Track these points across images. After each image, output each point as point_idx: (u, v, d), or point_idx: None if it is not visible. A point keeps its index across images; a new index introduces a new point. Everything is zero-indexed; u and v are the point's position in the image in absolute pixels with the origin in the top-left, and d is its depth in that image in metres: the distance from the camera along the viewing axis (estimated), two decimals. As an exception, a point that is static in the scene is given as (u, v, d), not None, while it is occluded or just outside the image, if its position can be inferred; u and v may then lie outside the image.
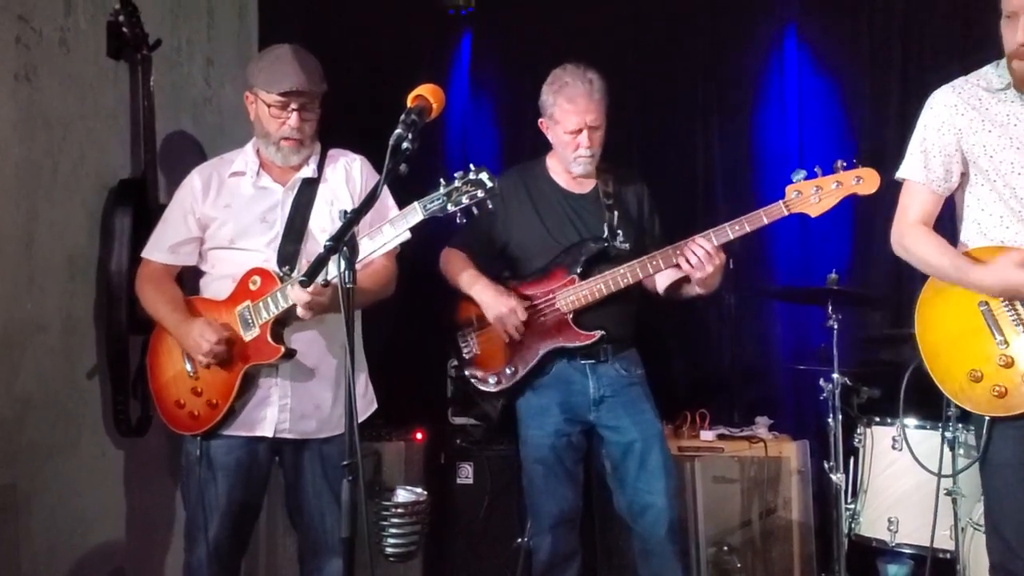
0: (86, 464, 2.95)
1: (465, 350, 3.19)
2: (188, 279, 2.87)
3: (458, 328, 3.21)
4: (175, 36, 3.41)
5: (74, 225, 2.92)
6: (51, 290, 2.81)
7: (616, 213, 3.12)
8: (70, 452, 2.89)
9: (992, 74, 2.46)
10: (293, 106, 2.68)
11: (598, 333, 3.03)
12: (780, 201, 2.89)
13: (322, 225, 2.72)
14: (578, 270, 3.05)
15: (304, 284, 2.14)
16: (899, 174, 2.59)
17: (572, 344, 3.04)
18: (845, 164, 2.85)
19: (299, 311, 2.57)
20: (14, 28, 2.69)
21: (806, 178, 2.87)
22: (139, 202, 3.02)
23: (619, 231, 3.09)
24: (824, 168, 2.87)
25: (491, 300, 3.07)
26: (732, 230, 2.90)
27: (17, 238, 2.70)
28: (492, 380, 3.12)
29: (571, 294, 3.04)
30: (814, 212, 2.87)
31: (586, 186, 3.18)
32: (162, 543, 3.26)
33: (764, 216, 2.89)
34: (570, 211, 3.15)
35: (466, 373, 3.18)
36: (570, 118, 3.04)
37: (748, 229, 2.89)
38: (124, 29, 3.02)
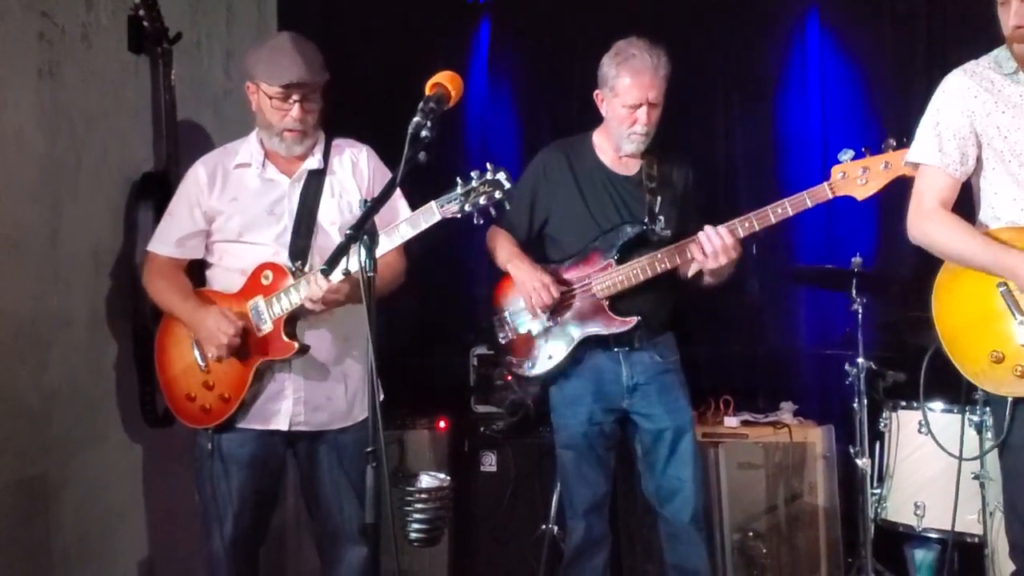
0: (114, 455, 2.99)
1: (501, 336, 3.18)
2: (193, 270, 2.86)
3: (494, 312, 3.20)
4: (194, 30, 3.43)
5: (98, 220, 2.94)
6: (76, 284, 2.84)
7: (659, 197, 3.05)
8: (98, 443, 2.92)
9: (1003, 56, 2.44)
10: (295, 97, 2.65)
11: (634, 319, 3.00)
12: (825, 183, 2.78)
13: (331, 218, 2.72)
14: (615, 255, 3.02)
15: (325, 273, 2.15)
16: (911, 157, 2.53)
17: (608, 330, 3.02)
18: (895, 143, 2.72)
19: (309, 305, 2.56)
20: (37, 24, 2.71)
21: (853, 158, 2.75)
22: (162, 195, 3.03)
23: (660, 216, 3.02)
24: (873, 148, 2.75)
25: (524, 275, 3.04)
26: (775, 213, 2.81)
27: (42, 234, 2.73)
28: (528, 365, 3.11)
29: (607, 279, 3.01)
30: (860, 195, 2.75)
31: (631, 167, 3.11)
32: (191, 532, 3.28)
33: (808, 199, 2.79)
34: (613, 192, 3.09)
35: (502, 359, 3.19)
36: (632, 92, 2.96)
37: (791, 212, 2.80)
38: (144, 23, 3.04)
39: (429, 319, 4.25)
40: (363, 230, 2.03)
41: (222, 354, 2.63)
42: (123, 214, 3.02)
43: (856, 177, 2.75)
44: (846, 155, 2.77)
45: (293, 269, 2.63)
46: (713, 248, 2.83)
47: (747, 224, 2.86)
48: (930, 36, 4.16)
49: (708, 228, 2.86)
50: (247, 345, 2.64)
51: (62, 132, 2.80)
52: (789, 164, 4.35)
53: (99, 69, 2.95)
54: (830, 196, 2.79)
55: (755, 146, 4.41)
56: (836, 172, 2.78)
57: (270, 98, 2.67)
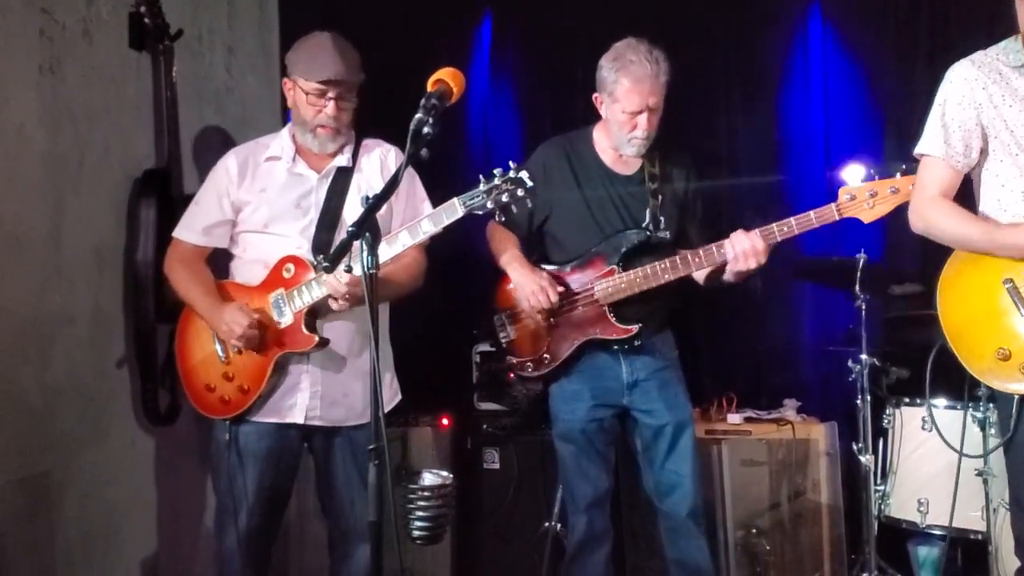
0: (117, 453, 2.99)
1: (502, 335, 3.18)
2: (217, 260, 2.88)
3: (495, 313, 3.20)
4: (196, 26, 3.43)
5: (100, 217, 2.94)
6: (79, 282, 2.84)
7: (661, 198, 3.04)
8: (101, 441, 2.92)
9: (1011, 48, 2.43)
10: (331, 94, 2.69)
11: (635, 327, 2.99)
12: (832, 204, 2.79)
13: (356, 215, 2.71)
14: (618, 261, 3.01)
15: (328, 270, 2.15)
16: (918, 149, 2.55)
17: (609, 337, 3.02)
18: (904, 168, 2.73)
19: (331, 303, 2.58)
20: (38, 21, 2.71)
21: (862, 180, 2.77)
22: (163, 192, 3.04)
23: (662, 218, 3.02)
24: (881, 172, 2.76)
25: (523, 279, 3.04)
26: (780, 231, 2.81)
27: (44, 231, 2.73)
28: (530, 367, 3.12)
29: (610, 286, 3.00)
30: (867, 218, 2.78)
31: (632, 166, 3.09)
32: (194, 530, 3.30)
33: (815, 218, 2.80)
34: (614, 193, 3.07)
35: (502, 358, 3.19)
36: (632, 99, 2.93)
37: (796, 231, 2.81)
38: (146, 20, 3.06)
39: (432, 316, 4.24)
40: (364, 227, 2.03)
41: (240, 346, 2.65)
42: (125, 211, 3.03)
43: (864, 200, 2.77)
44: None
45: (315, 263, 2.65)
46: (744, 250, 2.81)
47: (761, 237, 2.85)
48: (932, 33, 4.15)
49: (739, 232, 2.83)
50: (267, 338, 2.66)
51: (64, 129, 2.80)
52: (791, 161, 4.33)
53: (100, 65, 2.95)
54: (837, 218, 2.80)
55: (758, 143, 4.39)
56: (844, 194, 2.79)
57: (306, 94, 2.70)
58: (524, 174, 2.27)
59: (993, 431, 3.09)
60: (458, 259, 4.11)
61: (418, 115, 2.06)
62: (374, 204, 2.07)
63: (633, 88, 2.93)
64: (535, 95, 4.56)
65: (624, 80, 2.94)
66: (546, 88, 4.50)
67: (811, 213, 2.81)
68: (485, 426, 3.95)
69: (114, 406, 2.98)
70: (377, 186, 2.77)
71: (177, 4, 3.26)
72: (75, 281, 2.83)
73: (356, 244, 2.06)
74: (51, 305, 2.74)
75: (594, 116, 3.15)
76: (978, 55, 2.49)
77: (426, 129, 2.05)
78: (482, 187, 2.30)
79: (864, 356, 3.49)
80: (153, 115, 3.14)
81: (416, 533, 3.02)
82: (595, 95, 3.07)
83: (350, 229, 2.04)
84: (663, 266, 2.94)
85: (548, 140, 3.23)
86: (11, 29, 2.61)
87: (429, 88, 2.13)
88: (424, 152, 2.06)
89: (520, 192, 2.27)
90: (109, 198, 2.98)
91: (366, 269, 2.02)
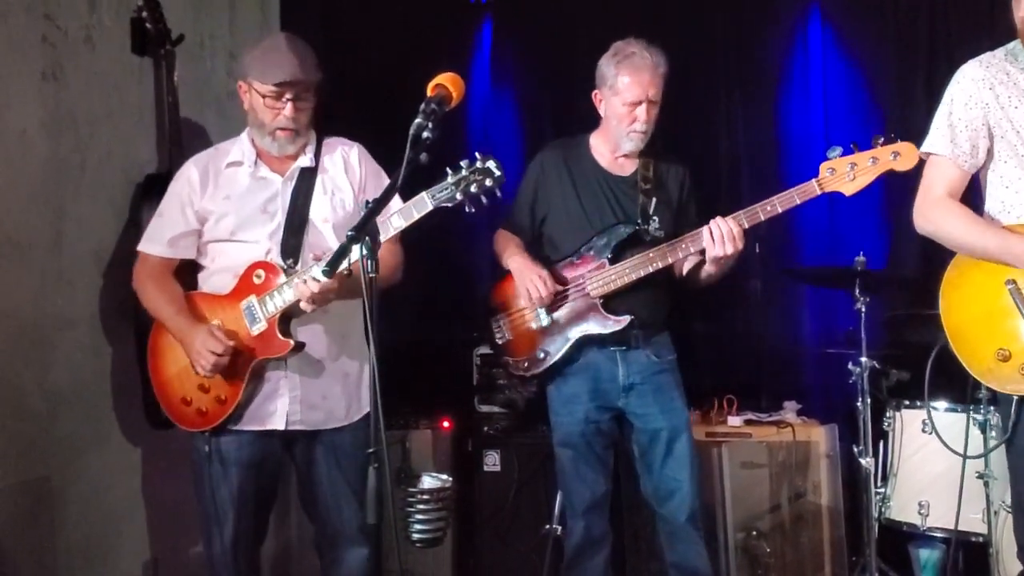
0: (118, 456, 3.00)
1: (498, 335, 3.20)
2: (184, 271, 2.81)
3: (492, 313, 3.22)
4: (197, 31, 3.44)
5: (102, 221, 2.95)
6: (80, 286, 2.85)
7: (654, 199, 3.08)
8: (102, 445, 2.93)
9: (1018, 49, 2.43)
10: (288, 96, 2.63)
11: (627, 318, 3.01)
12: (813, 180, 2.79)
13: (323, 216, 2.69)
14: (608, 255, 3.03)
15: (327, 275, 2.15)
16: (924, 148, 2.54)
17: (603, 330, 3.03)
18: (882, 139, 2.73)
19: (303, 304, 2.54)
20: (40, 27, 2.72)
21: (842, 155, 2.76)
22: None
23: (654, 217, 3.06)
24: (861, 144, 2.75)
25: (523, 268, 3.07)
26: (764, 212, 2.83)
27: (46, 235, 2.74)
28: (525, 365, 3.13)
29: (600, 279, 3.02)
30: (849, 190, 2.76)
31: (627, 168, 3.14)
32: (194, 533, 3.28)
33: (796, 196, 2.80)
34: (609, 193, 3.12)
35: (499, 359, 3.21)
36: (632, 89, 2.99)
37: (780, 210, 2.81)
38: (148, 25, 3.06)
39: (432, 317, 4.25)
40: (365, 231, 2.03)
41: (209, 373, 2.58)
42: (126, 215, 3.03)
43: (844, 173, 2.76)
44: (834, 152, 2.78)
45: (285, 267, 2.61)
46: (720, 233, 2.84)
47: (735, 221, 2.86)
48: (932, 32, 4.15)
49: (717, 218, 2.87)
50: (242, 346, 2.60)
51: (65, 134, 2.80)
52: (791, 161, 4.34)
53: (102, 71, 2.96)
54: (818, 192, 2.80)
55: (758, 143, 4.40)
56: (824, 169, 2.79)
57: (263, 97, 2.65)
58: (491, 163, 2.26)
59: (994, 434, 3.09)
60: (460, 260, 4.12)
61: (417, 120, 2.05)
62: (374, 208, 2.07)
63: (633, 79, 2.99)
64: (535, 96, 4.57)
65: (624, 72, 3.01)
66: (546, 89, 4.51)
67: (792, 191, 2.81)
68: (486, 428, 3.94)
69: (115, 410, 2.99)
70: (342, 184, 2.75)
71: (178, 9, 3.27)
72: (76, 285, 2.84)
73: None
74: (52, 309, 2.75)
75: (594, 118, 3.17)
76: (986, 56, 2.48)
77: (425, 134, 2.05)
78: (450, 179, 2.28)
79: (864, 358, 3.49)
80: (155, 120, 3.15)
81: (416, 536, 3.03)
82: (594, 92, 3.12)
83: (349, 233, 2.03)
84: (651, 255, 2.97)
85: (546, 145, 3.27)
86: (13, 35, 2.62)
87: (429, 93, 2.13)
88: (424, 156, 2.06)
89: (489, 182, 2.25)
90: (110, 203, 2.98)
91: (366, 272, 2.02)
